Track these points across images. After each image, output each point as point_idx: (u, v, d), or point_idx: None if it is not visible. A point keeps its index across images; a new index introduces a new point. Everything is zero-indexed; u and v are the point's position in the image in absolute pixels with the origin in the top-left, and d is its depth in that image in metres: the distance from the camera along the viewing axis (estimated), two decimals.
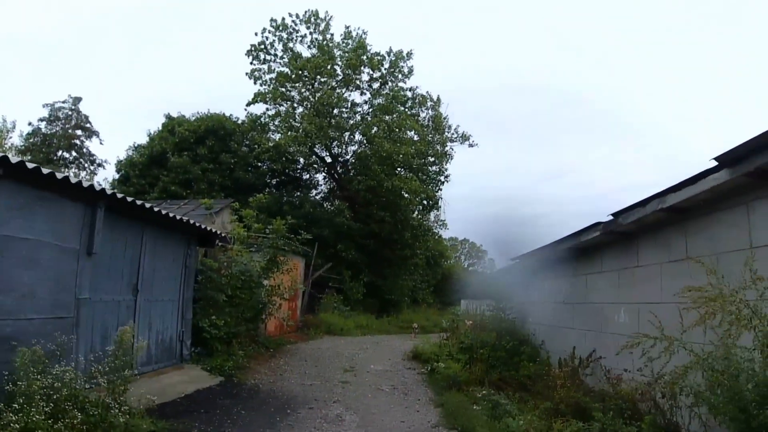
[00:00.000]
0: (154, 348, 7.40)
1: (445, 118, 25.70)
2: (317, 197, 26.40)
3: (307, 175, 26.94)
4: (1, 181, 4.41)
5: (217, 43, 59.28)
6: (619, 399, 4.68)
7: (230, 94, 53.42)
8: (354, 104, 24.29)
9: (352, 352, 12.17)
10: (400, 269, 24.93)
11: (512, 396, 6.49)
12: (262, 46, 23.74)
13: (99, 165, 30.80)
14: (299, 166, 26.03)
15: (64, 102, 29.74)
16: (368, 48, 23.47)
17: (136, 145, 25.35)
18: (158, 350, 7.53)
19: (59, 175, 4.79)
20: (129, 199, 6.06)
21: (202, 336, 8.65)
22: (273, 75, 23.79)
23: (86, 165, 30.67)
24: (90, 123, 30.41)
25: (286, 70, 23.55)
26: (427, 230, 26.66)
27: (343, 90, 23.68)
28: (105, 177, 29.70)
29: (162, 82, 55.12)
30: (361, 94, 24.32)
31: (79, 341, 5.29)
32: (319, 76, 23.06)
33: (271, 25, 23.54)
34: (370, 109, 24.18)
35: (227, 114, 25.55)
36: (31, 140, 28.42)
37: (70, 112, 29.95)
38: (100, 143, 34.15)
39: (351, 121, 24.06)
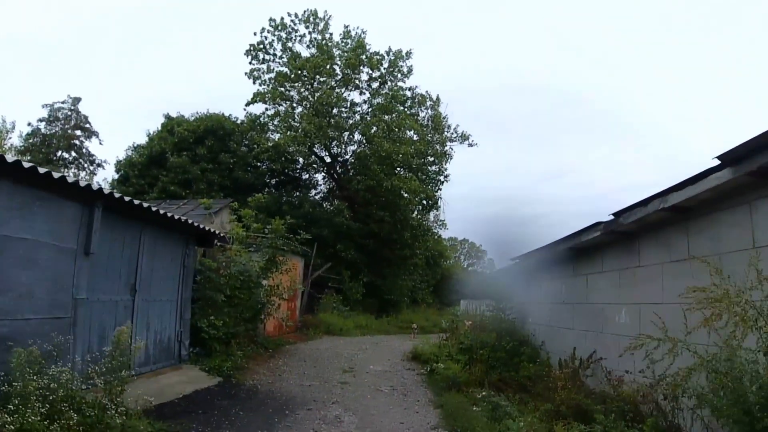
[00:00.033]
0: (152, 348, 7.36)
1: (444, 118, 25.67)
2: (316, 197, 26.39)
3: (307, 175, 26.93)
4: None
5: (217, 43, 59.35)
6: (620, 401, 4.64)
7: (230, 94, 53.43)
8: (353, 104, 24.29)
9: (351, 352, 12.14)
10: (399, 269, 24.91)
11: (512, 397, 6.45)
12: (261, 46, 23.70)
13: (98, 165, 30.80)
14: (298, 166, 25.99)
15: (63, 102, 29.73)
16: (367, 47, 23.44)
17: (135, 145, 25.33)
18: (156, 350, 7.49)
19: (56, 175, 4.75)
20: (126, 198, 6.02)
21: (200, 336, 8.61)
22: (272, 75, 23.76)
23: (86, 165, 30.65)
24: (89, 123, 30.39)
25: (286, 69, 23.50)
26: (426, 230, 26.63)
27: (343, 90, 23.64)
28: (104, 177, 29.71)
29: (162, 82, 55.18)
30: (361, 93, 24.33)
31: (77, 342, 5.26)
32: (318, 76, 23.02)
33: (270, 25, 23.52)
34: (370, 109, 24.15)
35: (226, 114, 25.54)
36: (31, 141, 28.37)
37: (69, 113, 29.91)
38: (100, 143, 34.15)
39: (350, 121, 24.03)
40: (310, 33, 23.82)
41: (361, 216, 22.91)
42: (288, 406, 6.38)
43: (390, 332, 19.38)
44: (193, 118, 24.77)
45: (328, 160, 25.32)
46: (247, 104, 23.93)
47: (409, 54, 24.17)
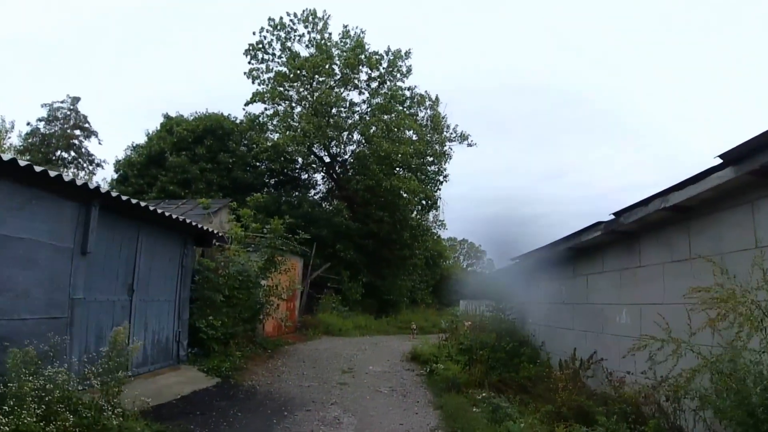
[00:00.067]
0: (150, 349, 7.31)
1: (443, 118, 25.64)
2: (316, 197, 26.38)
3: (306, 175, 26.91)
4: None
5: (217, 43, 59.25)
6: (622, 402, 4.60)
7: (230, 94, 53.39)
8: (352, 104, 24.26)
9: (350, 352, 12.10)
10: (398, 269, 24.88)
11: (513, 398, 6.41)
12: (260, 46, 23.66)
13: (98, 165, 30.74)
14: (297, 166, 25.97)
15: (62, 102, 29.68)
16: (366, 47, 23.40)
17: (134, 145, 25.32)
18: (154, 351, 7.44)
19: (52, 173, 4.71)
20: (124, 197, 5.97)
21: (198, 336, 8.57)
22: (271, 74, 23.71)
23: (85, 165, 30.58)
24: (88, 123, 30.32)
25: (285, 69, 23.46)
26: (425, 230, 26.60)
27: (342, 89, 23.62)
28: (104, 177, 29.56)
29: (161, 82, 55.05)
30: (360, 93, 24.31)
31: (73, 342, 5.22)
32: (317, 76, 22.98)
33: (269, 25, 23.48)
34: (369, 109, 24.11)
35: (226, 114, 25.54)
36: (30, 140, 28.32)
37: (68, 112, 29.85)
38: (99, 143, 33.97)
39: (349, 121, 24.01)
40: (309, 33, 23.81)
41: (360, 216, 22.88)
42: (287, 407, 6.34)
43: (389, 332, 19.34)
44: (192, 118, 24.75)
45: (327, 159, 25.29)
46: (246, 104, 23.91)
47: (408, 54, 24.18)
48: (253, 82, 23.80)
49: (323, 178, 26.83)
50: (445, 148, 25.72)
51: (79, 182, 5.22)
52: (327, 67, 22.76)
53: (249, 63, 23.85)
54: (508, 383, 7.32)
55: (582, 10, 66.22)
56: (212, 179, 22.52)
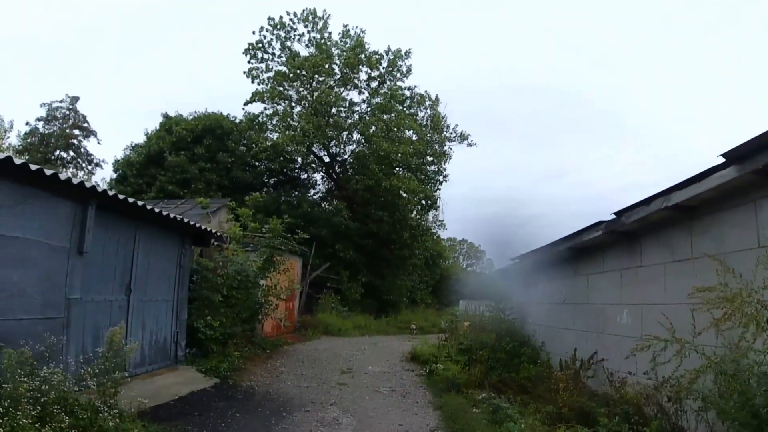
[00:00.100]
0: (148, 349, 7.27)
1: (443, 118, 25.62)
2: (315, 197, 26.35)
3: (305, 175, 26.88)
4: None
5: (217, 43, 59.27)
6: (624, 403, 4.56)
7: (230, 94, 53.36)
8: (352, 103, 24.21)
9: (349, 353, 12.06)
10: (398, 269, 24.84)
11: (513, 399, 6.38)
12: (260, 45, 23.62)
13: (97, 165, 30.69)
14: (297, 166, 25.93)
15: (61, 101, 29.63)
16: (366, 47, 23.36)
17: (133, 144, 25.27)
18: (152, 351, 7.39)
19: (48, 172, 4.66)
20: (121, 196, 5.93)
21: (197, 337, 8.51)
22: (271, 74, 23.67)
23: (84, 165, 30.52)
24: (87, 122, 30.28)
25: (284, 69, 23.41)
26: (425, 230, 26.56)
27: (341, 89, 23.57)
28: (103, 177, 29.53)
29: (161, 82, 55.11)
30: (359, 93, 24.26)
31: (70, 342, 5.18)
32: (317, 75, 22.94)
33: (269, 24, 23.43)
34: (369, 109, 24.07)
35: (225, 113, 25.49)
36: (29, 140, 28.26)
37: (67, 112, 29.79)
38: (98, 143, 33.87)
39: (349, 121, 23.96)
40: (309, 32, 23.77)
41: (359, 216, 22.84)
42: (285, 408, 6.30)
43: (389, 332, 19.31)
44: (191, 118, 24.72)
45: (326, 159, 25.25)
46: (246, 103, 23.87)
47: (408, 53, 24.14)
48: (252, 82, 23.80)
49: (323, 177, 26.83)
50: (445, 147, 25.72)
51: (75, 181, 5.18)
52: (327, 66, 22.71)
53: (248, 62, 23.85)
54: (509, 384, 7.28)
55: (582, 10, 66.32)
56: (211, 179, 22.48)
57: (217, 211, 14.23)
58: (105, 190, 5.65)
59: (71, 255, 5.34)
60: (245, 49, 23.64)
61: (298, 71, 22.85)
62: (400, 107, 23.84)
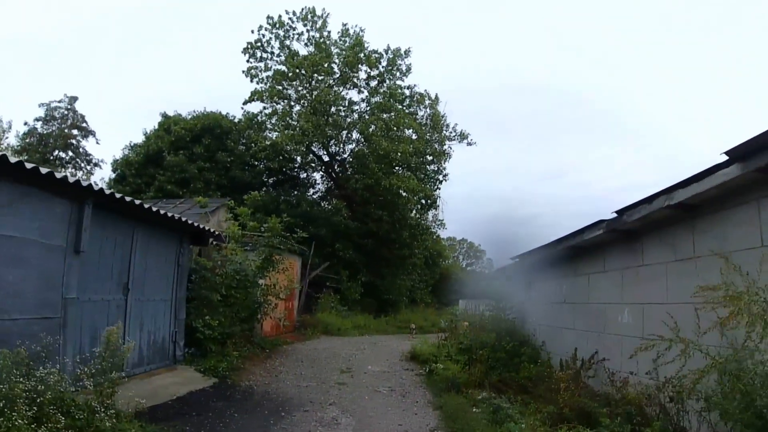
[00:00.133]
0: (146, 349, 7.23)
1: (443, 117, 25.58)
2: (314, 196, 26.30)
3: (305, 174, 26.85)
4: None
5: (217, 43, 59.20)
6: (626, 404, 4.53)
7: (229, 93, 53.22)
8: (351, 102, 24.18)
9: (349, 352, 12.02)
10: (398, 269, 24.81)
11: (513, 399, 6.34)
12: (259, 44, 23.58)
13: (95, 165, 30.54)
14: (296, 165, 25.88)
15: (60, 101, 29.49)
16: (366, 46, 23.32)
17: (132, 144, 25.20)
18: (150, 351, 7.36)
19: (44, 170, 4.62)
20: (117, 195, 5.89)
21: (195, 336, 8.48)
22: (270, 73, 23.65)
23: (82, 165, 30.41)
24: (86, 122, 30.13)
25: (283, 68, 23.37)
26: (425, 230, 26.52)
27: (341, 88, 23.52)
28: (102, 177, 29.48)
29: (161, 82, 55.00)
30: (359, 92, 24.22)
31: (67, 342, 5.13)
32: (316, 74, 22.89)
33: (268, 23, 23.38)
34: (368, 108, 24.02)
35: (224, 113, 25.42)
36: (28, 140, 28.15)
37: (66, 112, 29.67)
38: (97, 143, 33.69)
39: (348, 120, 23.91)
40: (308, 31, 23.73)
41: (359, 215, 22.80)
42: (284, 408, 6.26)
43: (388, 332, 19.28)
44: (190, 117, 24.64)
45: (326, 158, 25.20)
46: (245, 103, 23.85)
47: (407, 52, 24.10)
48: (251, 81, 23.77)
49: (322, 177, 26.80)
50: (445, 147, 25.70)
51: (70, 180, 5.13)
52: (326, 65, 22.67)
53: (248, 62, 23.83)
54: (509, 383, 7.24)
55: (582, 10, 66.27)
56: (210, 178, 22.43)
57: (215, 210, 14.16)
58: (101, 189, 5.61)
59: (68, 254, 5.30)
60: (244, 48, 23.63)
61: (298, 70, 22.80)
62: (400, 106, 23.79)
